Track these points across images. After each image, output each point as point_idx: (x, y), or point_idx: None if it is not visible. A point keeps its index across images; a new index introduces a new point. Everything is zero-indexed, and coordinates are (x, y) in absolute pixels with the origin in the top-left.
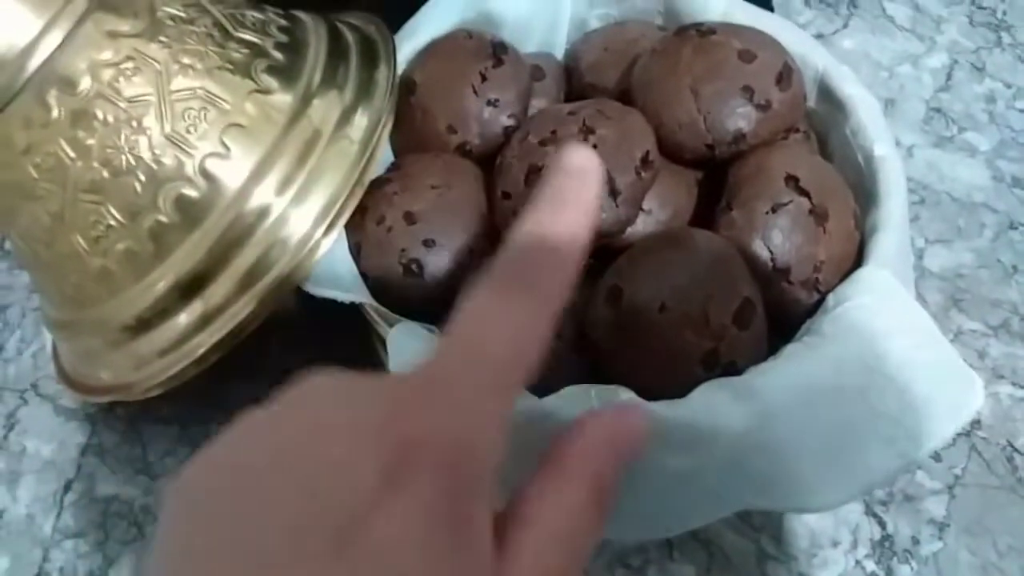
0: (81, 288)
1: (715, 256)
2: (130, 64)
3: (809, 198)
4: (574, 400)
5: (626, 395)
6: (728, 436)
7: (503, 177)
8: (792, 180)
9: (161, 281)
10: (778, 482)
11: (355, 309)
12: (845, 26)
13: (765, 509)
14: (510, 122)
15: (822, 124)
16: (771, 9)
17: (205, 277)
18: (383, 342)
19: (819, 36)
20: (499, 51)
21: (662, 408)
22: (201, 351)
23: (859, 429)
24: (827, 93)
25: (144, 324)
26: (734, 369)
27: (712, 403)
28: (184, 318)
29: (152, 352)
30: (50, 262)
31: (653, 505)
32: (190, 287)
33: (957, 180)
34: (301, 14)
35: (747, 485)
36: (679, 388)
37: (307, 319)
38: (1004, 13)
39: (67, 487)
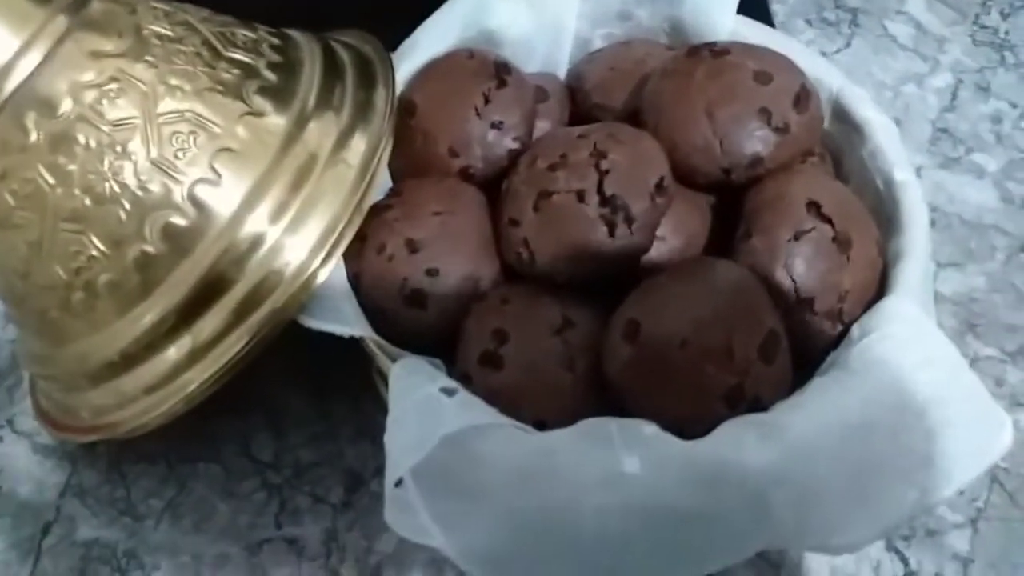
0: (61, 322)
1: (737, 287)
2: (114, 85)
3: (832, 225)
4: (592, 433)
5: (650, 429)
6: (753, 475)
7: (510, 203)
8: (814, 206)
9: (147, 315)
10: (803, 522)
11: (354, 341)
12: (848, 45)
13: (786, 549)
14: (515, 145)
15: (836, 146)
16: (772, 27)
17: (194, 310)
18: (383, 377)
19: (820, 55)
20: (502, 71)
21: (684, 445)
22: (190, 388)
23: (887, 467)
24: (842, 115)
25: (129, 360)
26: (759, 405)
27: (738, 441)
28: (172, 353)
29: (138, 389)
30: (27, 294)
31: (670, 547)
32: (178, 321)
33: (966, 202)
34: (294, 33)
35: (770, 525)
36: (701, 426)
37: (303, 350)
38: (1007, 33)
39: (45, 530)
